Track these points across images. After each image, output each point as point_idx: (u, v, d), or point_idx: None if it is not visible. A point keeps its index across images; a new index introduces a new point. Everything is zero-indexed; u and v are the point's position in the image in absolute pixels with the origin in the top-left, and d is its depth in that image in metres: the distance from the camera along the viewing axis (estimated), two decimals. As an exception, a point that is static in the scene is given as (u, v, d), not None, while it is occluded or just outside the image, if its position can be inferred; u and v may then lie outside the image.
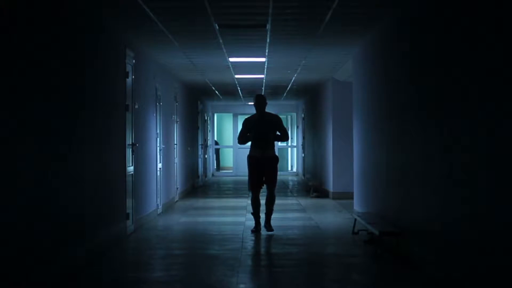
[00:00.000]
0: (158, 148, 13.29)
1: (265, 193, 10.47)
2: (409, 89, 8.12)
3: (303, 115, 26.10)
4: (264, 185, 10.59)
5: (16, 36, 5.81)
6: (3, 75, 5.54)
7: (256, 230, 10.44)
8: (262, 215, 10.72)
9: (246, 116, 10.96)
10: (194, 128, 21.27)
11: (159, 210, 13.33)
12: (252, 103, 10.78)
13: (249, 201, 11.20)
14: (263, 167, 10.49)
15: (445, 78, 6.64)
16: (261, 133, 10.50)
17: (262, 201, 10.60)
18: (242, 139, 10.72)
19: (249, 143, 10.75)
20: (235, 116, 29.08)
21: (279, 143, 30.27)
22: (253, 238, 9.79)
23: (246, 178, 10.85)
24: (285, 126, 10.94)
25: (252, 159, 10.57)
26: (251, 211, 10.62)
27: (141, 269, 7.65)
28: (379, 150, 9.98)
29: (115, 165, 9.60)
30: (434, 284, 6.72)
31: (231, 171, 30.00)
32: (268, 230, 10.45)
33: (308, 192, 18.74)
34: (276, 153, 10.82)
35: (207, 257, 8.38)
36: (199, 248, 9.14)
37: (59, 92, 7.00)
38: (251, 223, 10.96)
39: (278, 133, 10.64)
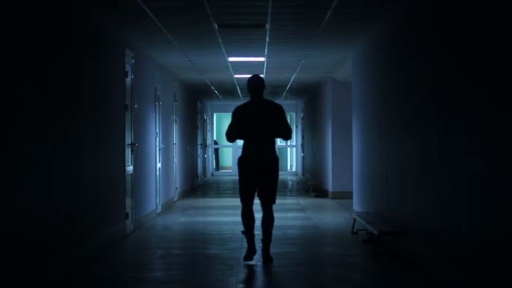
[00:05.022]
0: (157, 148, 13.29)
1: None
2: (408, 88, 8.11)
3: (302, 115, 26.09)
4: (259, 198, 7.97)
5: (15, 36, 5.81)
6: (2, 75, 5.54)
7: (248, 257, 7.81)
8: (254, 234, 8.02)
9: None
10: (194, 127, 21.26)
11: (159, 210, 13.33)
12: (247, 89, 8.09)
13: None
14: (259, 172, 7.83)
15: (444, 77, 6.64)
16: (257, 126, 7.82)
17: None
18: (231, 135, 7.90)
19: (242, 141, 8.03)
20: (235, 115, 29.05)
21: (279, 141, 30.22)
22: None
23: None
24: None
25: (244, 162, 7.89)
26: (242, 229, 8.04)
27: (141, 269, 7.65)
28: (379, 149, 9.98)
29: (114, 164, 9.59)
30: (434, 284, 6.72)
31: (230, 170, 29.99)
32: (265, 261, 7.82)
33: (307, 192, 18.73)
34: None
35: (206, 256, 8.37)
36: (199, 247, 9.13)
37: (58, 91, 6.99)
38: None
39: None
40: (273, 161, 7.87)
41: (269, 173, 7.86)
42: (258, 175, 7.83)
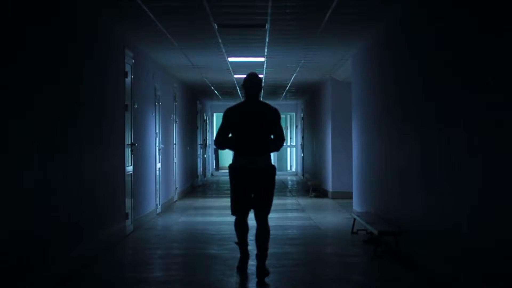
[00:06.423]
0: (157, 148, 13.29)
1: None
2: (408, 88, 8.11)
3: (302, 115, 26.10)
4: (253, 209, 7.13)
5: (15, 36, 5.81)
6: (2, 75, 5.54)
7: (241, 266, 7.16)
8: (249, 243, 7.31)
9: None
10: (193, 127, 21.26)
11: (158, 210, 13.33)
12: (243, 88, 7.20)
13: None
14: (253, 182, 6.96)
15: (445, 77, 6.64)
16: (251, 132, 6.95)
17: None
18: (221, 141, 7.06)
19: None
20: (234, 115, 29.03)
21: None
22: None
23: None
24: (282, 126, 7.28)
25: (236, 172, 7.00)
26: (235, 239, 7.33)
27: (140, 269, 7.65)
28: (378, 149, 9.98)
29: (114, 165, 9.59)
30: (433, 284, 6.72)
31: (230, 170, 29.98)
32: (260, 276, 6.86)
33: (307, 192, 18.73)
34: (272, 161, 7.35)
35: (206, 257, 8.37)
36: (198, 248, 9.13)
37: (58, 91, 6.99)
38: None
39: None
40: (269, 171, 6.98)
41: (264, 181, 6.96)
42: (253, 188, 6.97)
